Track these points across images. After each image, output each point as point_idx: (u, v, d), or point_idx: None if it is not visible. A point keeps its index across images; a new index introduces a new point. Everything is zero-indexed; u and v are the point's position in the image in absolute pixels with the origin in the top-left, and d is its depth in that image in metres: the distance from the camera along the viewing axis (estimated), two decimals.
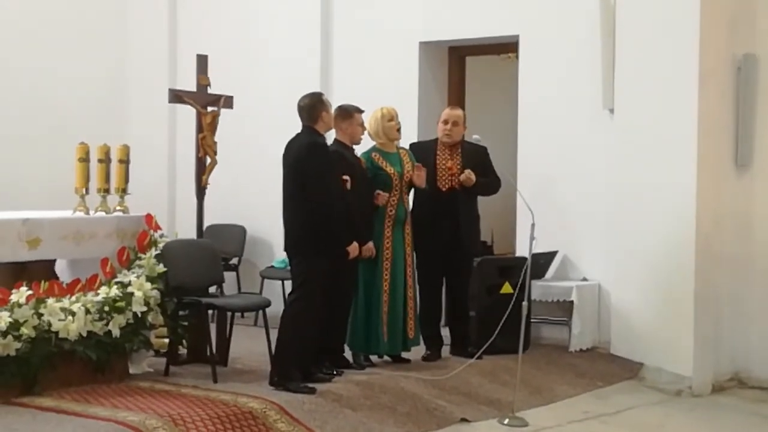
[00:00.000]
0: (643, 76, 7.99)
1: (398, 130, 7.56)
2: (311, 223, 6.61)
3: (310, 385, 6.54)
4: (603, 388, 7.65)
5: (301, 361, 6.67)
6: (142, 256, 7.05)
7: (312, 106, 6.77)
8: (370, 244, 7.22)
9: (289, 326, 6.66)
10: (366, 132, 7.41)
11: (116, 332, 6.64)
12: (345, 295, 7.20)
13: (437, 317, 8.00)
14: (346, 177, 6.92)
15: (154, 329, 7.10)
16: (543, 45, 8.79)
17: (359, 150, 7.45)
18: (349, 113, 7.27)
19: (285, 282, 8.88)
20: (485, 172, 7.86)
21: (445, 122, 7.86)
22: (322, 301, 6.74)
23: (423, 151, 7.83)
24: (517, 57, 9.13)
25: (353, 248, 6.93)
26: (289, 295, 6.89)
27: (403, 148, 7.70)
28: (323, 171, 6.64)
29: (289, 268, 7.05)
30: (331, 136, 7.26)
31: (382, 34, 9.58)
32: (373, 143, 7.57)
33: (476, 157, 7.83)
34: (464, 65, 9.85)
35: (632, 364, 8.04)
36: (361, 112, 7.32)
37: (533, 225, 6.84)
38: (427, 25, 9.39)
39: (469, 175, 7.69)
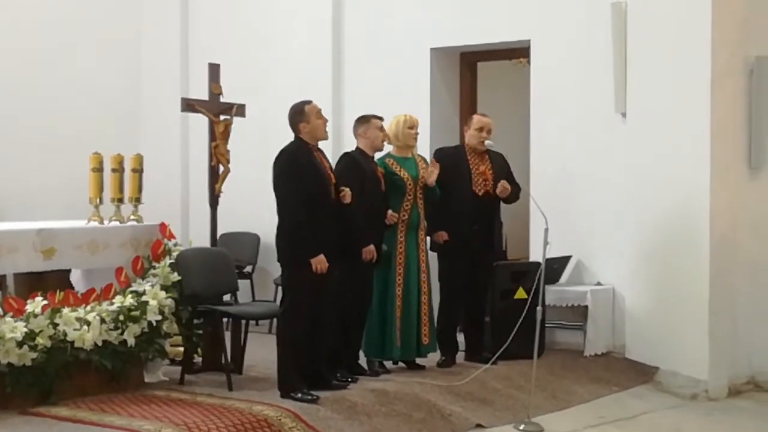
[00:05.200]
0: (655, 79, 7.98)
1: (415, 138, 7.60)
2: (280, 233, 6.61)
3: (314, 393, 6.46)
4: (618, 392, 7.64)
5: (301, 369, 6.59)
6: (157, 265, 7.07)
7: (291, 117, 6.73)
8: (371, 246, 7.07)
9: (279, 338, 6.66)
10: (386, 137, 7.41)
11: (131, 341, 6.66)
12: (359, 302, 7.18)
13: (455, 323, 7.97)
14: (344, 188, 6.79)
15: (169, 338, 7.12)
16: (554, 50, 8.77)
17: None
18: (365, 118, 7.32)
19: None
20: (509, 178, 7.92)
21: (480, 129, 7.87)
22: (314, 311, 6.63)
23: (453, 157, 7.84)
24: (528, 62, 9.12)
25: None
26: None
27: (419, 155, 7.72)
28: (282, 178, 6.56)
29: None
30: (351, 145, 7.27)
31: (394, 40, 9.58)
32: (389, 150, 7.58)
33: (502, 164, 7.95)
34: (476, 71, 9.84)
35: (647, 368, 8.02)
36: (379, 118, 7.33)
37: (546, 230, 6.82)
38: (438, 30, 9.39)
39: (505, 186, 7.76)
